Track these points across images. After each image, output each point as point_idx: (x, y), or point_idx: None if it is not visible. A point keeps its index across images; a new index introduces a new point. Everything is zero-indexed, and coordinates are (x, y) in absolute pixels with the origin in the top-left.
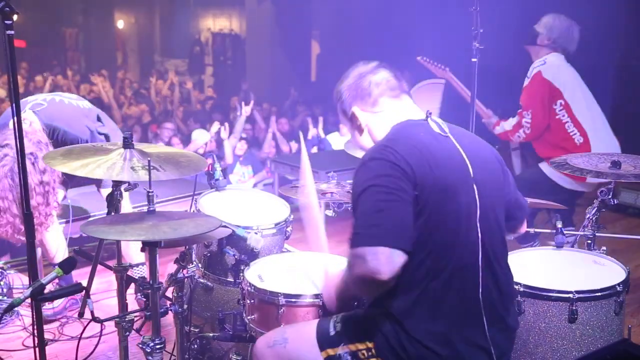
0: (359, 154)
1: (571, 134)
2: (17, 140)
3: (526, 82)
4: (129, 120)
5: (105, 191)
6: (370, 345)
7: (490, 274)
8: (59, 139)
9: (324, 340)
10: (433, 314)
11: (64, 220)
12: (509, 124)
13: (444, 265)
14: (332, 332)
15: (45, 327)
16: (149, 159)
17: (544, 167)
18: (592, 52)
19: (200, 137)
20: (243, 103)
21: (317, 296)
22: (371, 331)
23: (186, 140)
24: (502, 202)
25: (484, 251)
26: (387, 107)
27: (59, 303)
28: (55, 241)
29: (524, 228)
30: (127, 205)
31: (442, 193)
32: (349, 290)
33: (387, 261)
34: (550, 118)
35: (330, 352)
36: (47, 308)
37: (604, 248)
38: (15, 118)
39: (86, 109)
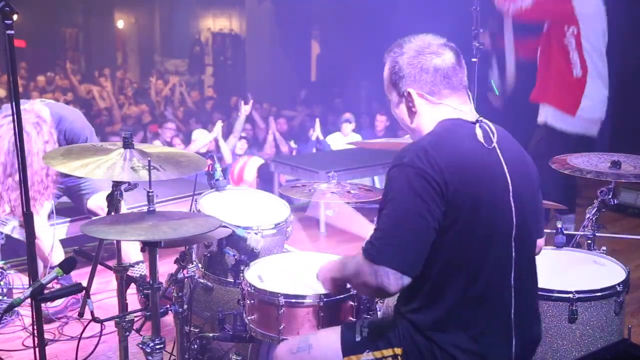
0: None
1: (572, 64)
2: (17, 140)
3: None
4: (128, 120)
5: (96, 197)
6: (397, 351)
7: (521, 292)
8: (65, 128)
9: (348, 347)
10: (463, 330)
11: (67, 219)
12: None
13: (474, 283)
14: (357, 338)
15: (45, 327)
16: (149, 158)
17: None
18: None
19: (201, 138)
20: (242, 102)
21: (317, 296)
22: (400, 337)
23: (187, 141)
24: (535, 219)
25: (517, 270)
26: (446, 101)
27: (59, 302)
28: (48, 239)
29: (541, 245)
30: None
31: (476, 210)
32: (346, 280)
33: (397, 282)
34: (556, 40)
35: (354, 358)
36: (49, 307)
37: (604, 248)
38: (16, 118)
39: None
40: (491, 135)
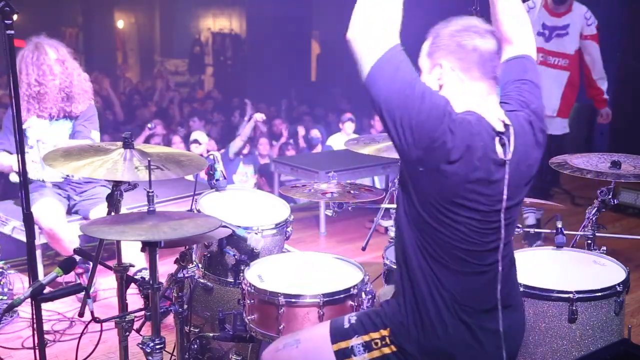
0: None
1: None
2: (17, 140)
3: None
4: (127, 120)
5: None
6: (385, 333)
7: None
8: None
9: (337, 333)
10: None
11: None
12: None
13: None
14: (346, 325)
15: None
16: (149, 158)
17: None
18: None
19: (200, 140)
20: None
21: (317, 296)
22: (387, 319)
23: (186, 141)
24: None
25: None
26: (476, 84)
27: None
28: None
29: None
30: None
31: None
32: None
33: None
34: None
35: (343, 344)
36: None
37: (604, 248)
38: (16, 118)
39: None
40: (508, 148)
